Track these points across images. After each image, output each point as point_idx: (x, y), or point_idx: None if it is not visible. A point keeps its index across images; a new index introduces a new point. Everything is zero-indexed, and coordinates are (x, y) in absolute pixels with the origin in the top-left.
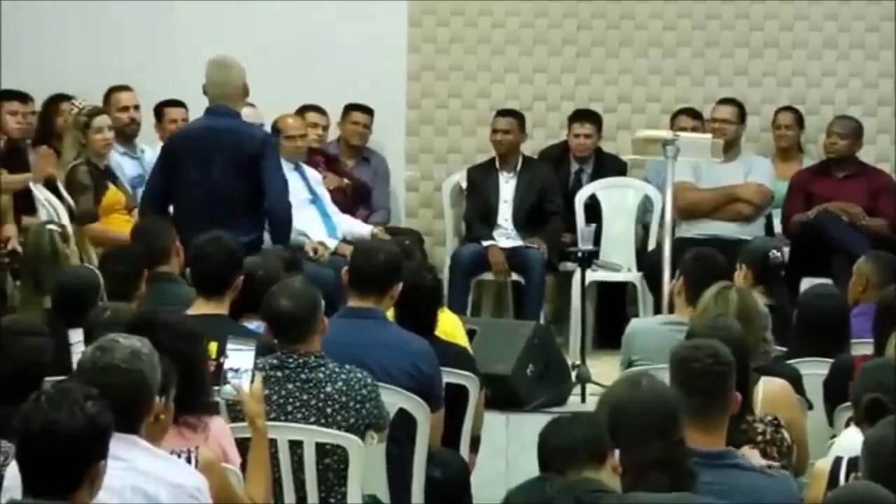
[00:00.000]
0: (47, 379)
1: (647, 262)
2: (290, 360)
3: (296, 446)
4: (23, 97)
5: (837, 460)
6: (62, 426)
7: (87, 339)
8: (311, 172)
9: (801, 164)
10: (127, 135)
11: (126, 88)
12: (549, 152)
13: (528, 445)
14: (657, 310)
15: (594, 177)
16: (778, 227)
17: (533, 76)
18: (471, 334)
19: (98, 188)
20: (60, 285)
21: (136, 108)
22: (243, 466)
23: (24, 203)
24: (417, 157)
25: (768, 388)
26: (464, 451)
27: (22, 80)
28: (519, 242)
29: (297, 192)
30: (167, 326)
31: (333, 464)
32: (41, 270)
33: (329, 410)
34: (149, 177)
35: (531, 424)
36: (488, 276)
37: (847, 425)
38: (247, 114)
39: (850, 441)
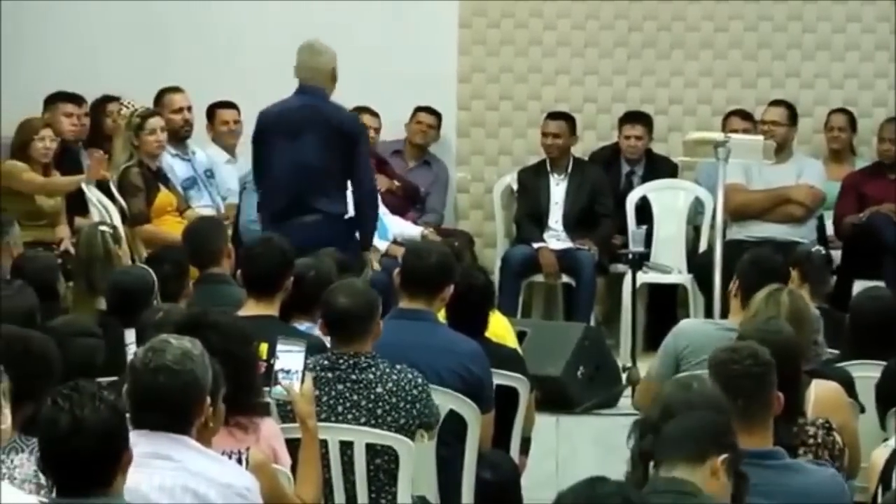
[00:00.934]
0: (100, 380)
1: (698, 264)
2: (341, 360)
3: (346, 447)
4: (77, 99)
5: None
6: (89, 422)
7: (139, 340)
8: None
9: (853, 166)
10: (181, 136)
11: (178, 90)
12: (600, 154)
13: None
14: (708, 312)
15: (645, 179)
16: (830, 229)
17: (584, 78)
18: (521, 336)
19: (150, 190)
20: (115, 285)
21: (189, 109)
22: (294, 467)
23: (77, 204)
24: (468, 158)
25: (820, 391)
26: (514, 452)
27: (66, 81)
28: (569, 244)
29: None
30: (218, 327)
31: (384, 464)
32: (93, 272)
33: (379, 411)
34: (252, 158)
35: (582, 426)
36: (539, 278)
37: None
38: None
39: None
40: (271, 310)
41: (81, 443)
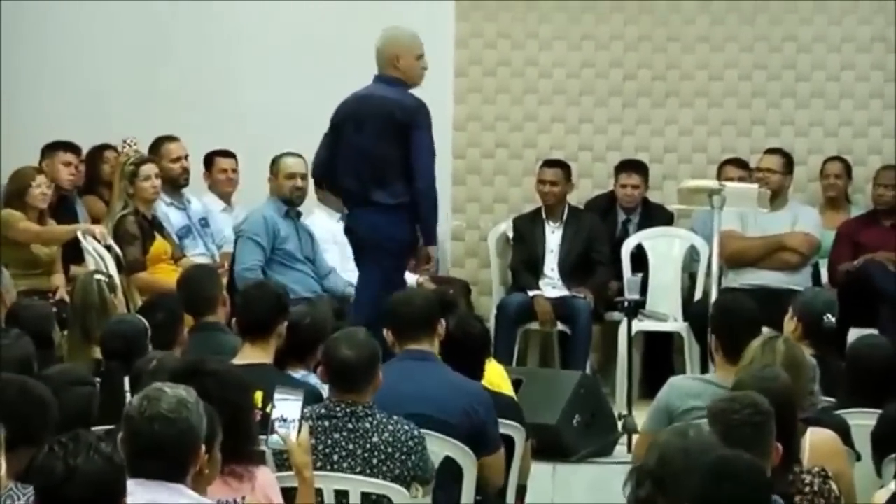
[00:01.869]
0: (95, 428)
1: (694, 311)
2: (338, 409)
3: (341, 496)
4: (74, 148)
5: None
6: (83, 471)
7: (134, 388)
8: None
9: (848, 213)
10: (179, 185)
11: (174, 139)
12: (596, 202)
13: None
14: (703, 360)
15: (641, 226)
16: (825, 276)
17: (579, 126)
18: (517, 384)
19: (146, 238)
20: (111, 333)
21: (186, 157)
22: None
23: (72, 252)
24: (464, 206)
25: (816, 439)
26: (510, 500)
27: (65, 129)
28: (565, 292)
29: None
30: (215, 375)
31: None
32: (89, 320)
33: (375, 461)
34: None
35: (577, 474)
36: (534, 325)
37: None
38: (290, 163)
39: None
40: (266, 357)
41: (74, 491)
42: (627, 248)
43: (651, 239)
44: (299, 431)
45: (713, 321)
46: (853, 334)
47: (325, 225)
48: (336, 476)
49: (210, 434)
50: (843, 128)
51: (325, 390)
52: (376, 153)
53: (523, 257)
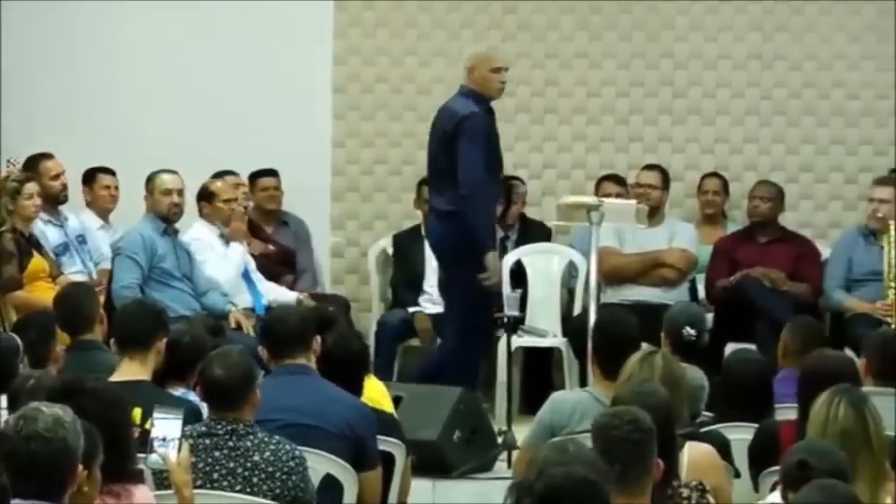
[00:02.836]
0: None
1: (573, 327)
2: (219, 426)
3: None
4: None
5: None
6: None
7: (12, 407)
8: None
9: (724, 230)
10: (59, 202)
11: (50, 156)
12: None
13: None
14: (583, 375)
15: (519, 243)
16: (702, 292)
17: None
18: (397, 401)
19: (23, 256)
20: None
21: (64, 174)
22: None
23: None
24: (343, 223)
25: (694, 454)
26: None
27: None
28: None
29: (238, 264)
30: (93, 393)
31: None
32: None
33: (255, 479)
34: None
35: (458, 490)
36: (415, 342)
37: (772, 489)
38: (166, 180)
39: None
40: (144, 373)
41: None
42: (506, 264)
43: (530, 255)
44: (179, 450)
45: (593, 337)
46: (730, 348)
47: (207, 238)
48: (216, 494)
49: (90, 452)
50: (720, 144)
51: (204, 408)
52: (434, 163)
53: (403, 274)
